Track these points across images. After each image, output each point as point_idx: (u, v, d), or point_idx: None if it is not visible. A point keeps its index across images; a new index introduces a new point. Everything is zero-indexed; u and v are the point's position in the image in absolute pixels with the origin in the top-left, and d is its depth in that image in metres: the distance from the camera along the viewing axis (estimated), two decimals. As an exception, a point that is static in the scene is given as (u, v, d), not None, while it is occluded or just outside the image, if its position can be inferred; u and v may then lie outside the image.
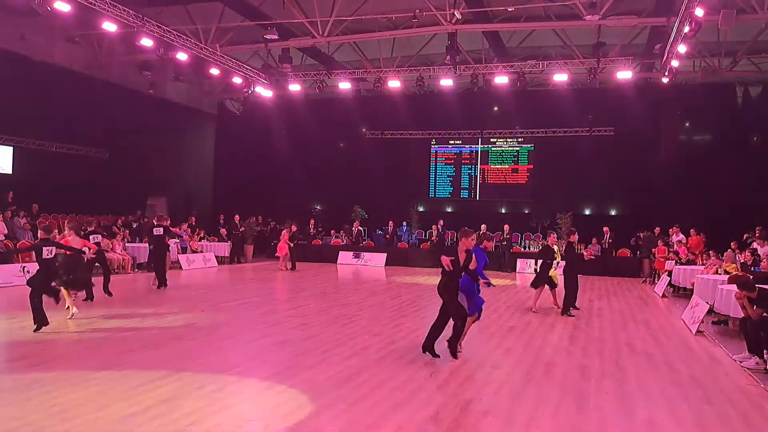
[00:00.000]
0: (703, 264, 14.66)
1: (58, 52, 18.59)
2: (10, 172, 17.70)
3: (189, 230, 19.70)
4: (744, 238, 15.37)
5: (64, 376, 6.05)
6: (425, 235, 23.45)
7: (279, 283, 15.79)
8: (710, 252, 14.73)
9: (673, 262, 15.76)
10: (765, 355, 7.06)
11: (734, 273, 11.28)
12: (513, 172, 24.63)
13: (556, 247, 11.36)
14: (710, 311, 9.94)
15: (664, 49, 16.63)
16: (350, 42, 19.47)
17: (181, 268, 17.43)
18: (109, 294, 11.30)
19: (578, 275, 11.23)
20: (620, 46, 18.34)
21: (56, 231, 10.87)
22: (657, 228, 18.30)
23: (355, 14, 16.83)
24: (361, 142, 26.18)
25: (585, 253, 12.27)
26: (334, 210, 25.47)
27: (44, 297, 8.28)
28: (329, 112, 24.02)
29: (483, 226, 18.20)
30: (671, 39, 15.34)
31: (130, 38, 16.64)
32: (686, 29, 13.44)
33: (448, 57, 17.10)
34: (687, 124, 22.65)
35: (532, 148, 24.34)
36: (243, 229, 21.22)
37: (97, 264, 11.63)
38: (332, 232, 23.78)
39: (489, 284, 7.44)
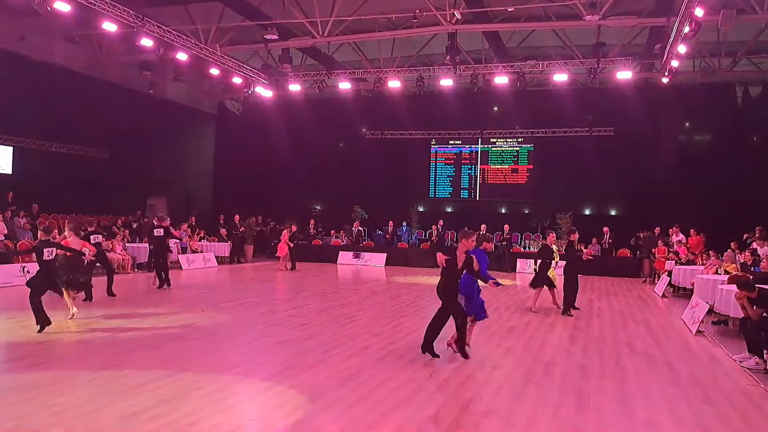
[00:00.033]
0: (703, 264, 14.66)
1: (58, 52, 18.58)
2: (10, 172, 17.69)
3: (189, 230, 19.70)
4: (744, 238, 15.38)
5: (64, 376, 6.05)
6: (425, 235, 23.44)
7: (279, 283, 15.79)
8: (710, 252, 14.73)
9: (673, 262, 15.76)
10: (765, 355, 7.06)
11: (734, 273, 11.28)
12: (513, 172, 24.62)
13: (555, 247, 11.35)
14: (710, 311, 9.94)
15: (664, 49, 16.63)
16: (350, 42, 19.47)
17: (181, 268, 17.43)
18: (113, 295, 11.32)
19: (578, 275, 11.24)
20: (620, 46, 18.35)
21: (56, 231, 10.87)
22: (657, 228, 18.31)
23: (355, 14, 16.83)
24: (361, 142, 26.19)
25: (584, 252, 12.27)
26: (334, 210, 25.47)
27: (44, 296, 8.29)
28: (329, 112, 24.01)
29: (483, 227, 18.23)
30: (671, 39, 15.34)
31: (130, 38, 16.63)
32: (686, 29, 13.44)
33: (448, 57, 17.09)
34: (687, 124, 22.65)
35: (532, 148, 24.34)
36: (243, 229, 21.22)
37: (98, 264, 11.63)
38: (332, 232, 23.77)
39: (498, 284, 7.37)
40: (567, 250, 11.38)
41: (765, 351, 7.06)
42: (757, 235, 14.20)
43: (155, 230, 13.33)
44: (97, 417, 4.91)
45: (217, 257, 19.86)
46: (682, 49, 15.12)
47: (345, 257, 21.89)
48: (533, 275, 11.67)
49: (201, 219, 22.38)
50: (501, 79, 19.52)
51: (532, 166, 24.29)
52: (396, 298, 13.01)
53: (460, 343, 7.11)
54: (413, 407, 5.38)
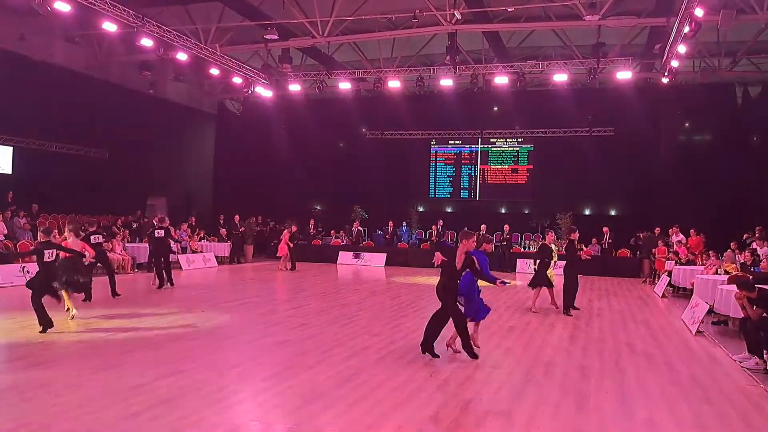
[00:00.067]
0: (702, 264, 14.66)
1: (58, 52, 18.59)
2: (9, 172, 17.69)
3: (189, 230, 19.70)
4: (744, 238, 15.38)
5: (64, 376, 6.05)
6: (425, 236, 23.45)
7: (279, 283, 15.79)
8: (710, 252, 14.73)
9: (673, 262, 15.76)
10: (765, 355, 7.06)
11: (734, 273, 11.28)
12: (513, 172, 24.63)
13: (554, 246, 11.35)
14: (710, 311, 9.94)
15: (664, 50, 16.64)
16: (350, 42, 19.47)
17: (181, 268, 17.42)
18: (117, 295, 11.32)
19: (578, 275, 11.23)
20: (620, 46, 18.34)
21: (56, 231, 10.87)
22: (657, 228, 18.29)
23: (355, 14, 16.83)
24: (361, 142, 26.19)
25: (583, 252, 12.27)
26: (334, 210, 25.48)
27: (45, 297, 8.28)
28: (329, 112, 24.02)
29: (483, 227, 18.24)
30: (671, 39, 15.34)
31: (130, 38, 16.65)
32: (686, 29, 13.45)
33: (448, 57, 17.10)
34: (687, 124, 22.66)
35: (532, 149, 24.35)
36: (243, 229, 21.21)
37: (99, 265, 11.63)
38: (332, 232, 23.78)
39: (505, 283, 7.32)
40: (567, 249, 11.38)
41: (765, 351, 7.06)
42: (756, 235, 14.21)
43: (156, 231, 13.34)
44: (97, 417, 4.90)
45: (217, 257, 19.86)
46: (682, 49, 15.13)
47: (345, 257, 21.89)
48: (533, 275, 11.67)
49: (201, 219, 22.37)
50: (501, 79, 19.52)
51: (532, 166, 24.30)
52: (396, 298, 13.01)
53: (466, 344, 7.11)
54: (413, 407, 5.38)
